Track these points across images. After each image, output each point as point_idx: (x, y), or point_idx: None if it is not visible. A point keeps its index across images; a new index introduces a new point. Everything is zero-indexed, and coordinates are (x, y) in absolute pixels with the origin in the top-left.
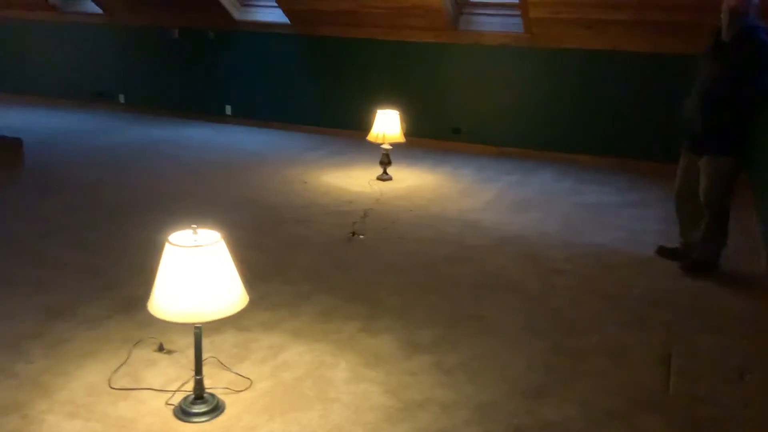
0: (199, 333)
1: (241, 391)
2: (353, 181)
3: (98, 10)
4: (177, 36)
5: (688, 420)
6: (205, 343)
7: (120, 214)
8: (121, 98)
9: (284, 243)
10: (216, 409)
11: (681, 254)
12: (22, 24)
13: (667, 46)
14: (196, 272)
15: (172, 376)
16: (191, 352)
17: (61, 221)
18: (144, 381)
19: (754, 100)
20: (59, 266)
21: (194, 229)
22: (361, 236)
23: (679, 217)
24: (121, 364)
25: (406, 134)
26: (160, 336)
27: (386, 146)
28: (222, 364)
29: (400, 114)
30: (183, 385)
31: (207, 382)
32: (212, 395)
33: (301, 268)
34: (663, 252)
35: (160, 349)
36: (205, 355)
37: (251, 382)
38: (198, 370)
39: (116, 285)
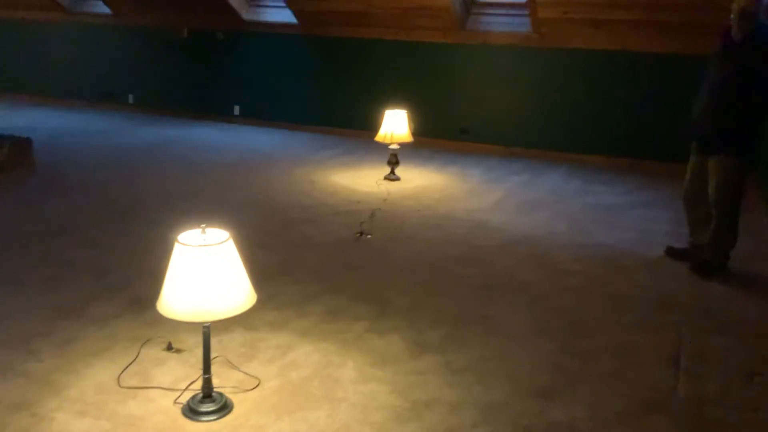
0: (207, 332)
1: (249, 390)
2: (361, 181)
3: (107, 10)
4: (186, 36)
5: (697, 422)
6: (214, 342)
7: (129, 213)
8: (130, 98)
9: (292, 243)
10: (224, 408)
11: (690, 255)
12: (31, 25)
13: (676, 46)
14: (204, 271)
15: (180, 375)
16: (199, 351)
17: (70, 220)
18: (153, 380)
19: (765, 100)
20: (68, 265)
21: (203, 228)
22: (369, 236)
23: (689, 217)
24: (130, 363)
25: (414, 134)
26: (169, 335)
27: (394, 146)
28: (230, 363)
29: (408, 114)
30: (191, 384)
31: (215, 381)
32: (220, 394)
33: (308, 267)
34: (672, 253)
35: (169, 348)
36: (213, 355)
37: (259, 382)
38: (206, 369)
39: (125, 284)
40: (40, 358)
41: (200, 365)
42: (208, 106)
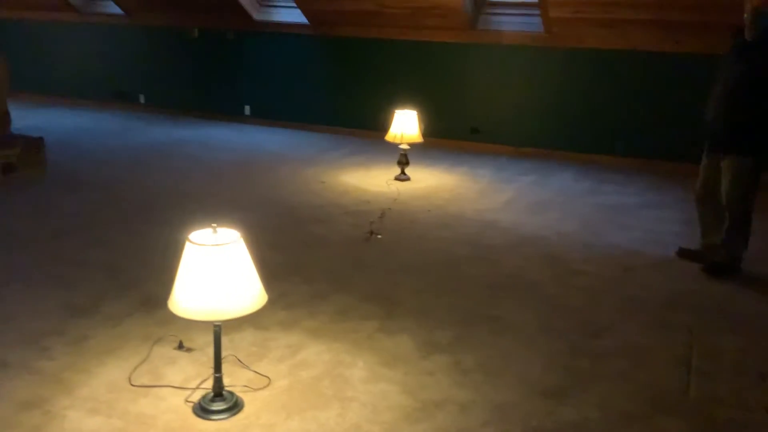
0: (218, 331)
1: (260, 389)
2: (371, 180)
3: (119, 10)
4: (197, 36)
5: (709, 423)
6: (224, 341)
7: (140, 212)
8: (142, 98)
9: (302, 242)
10: (235, 406)
11: (702, 256)
12: (43, 25)
13: (687, 45)
14: (215, 271)
15: (191, 374)
16: (210, 350)
17: (82, 220)
18: (164, 378)
19: None
20: (81, 264)
21: (214, 228)
22: (379, 236)
23: (701, 218)
24: (142, 362)
25: (424, 134)
26: (180, 334)
27: (404, 146)
28: (241, 362)
29: (418, 114)
30: (202, 382)
31: (226, 380)
32: (231, 393)
33: (319, 267)
34: (683, 253)
35: (180, 346)
36: (224, 353)
37: (269, 381)
38: (217, 367)
39: (137, 283)
40: (52, 356)
41: (211, 364)
42: (218, 106)
